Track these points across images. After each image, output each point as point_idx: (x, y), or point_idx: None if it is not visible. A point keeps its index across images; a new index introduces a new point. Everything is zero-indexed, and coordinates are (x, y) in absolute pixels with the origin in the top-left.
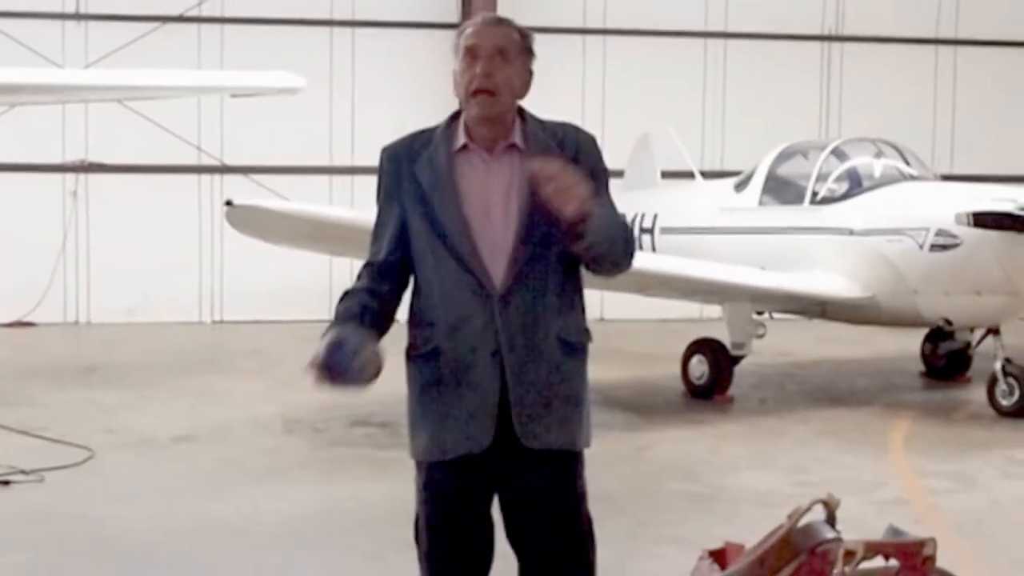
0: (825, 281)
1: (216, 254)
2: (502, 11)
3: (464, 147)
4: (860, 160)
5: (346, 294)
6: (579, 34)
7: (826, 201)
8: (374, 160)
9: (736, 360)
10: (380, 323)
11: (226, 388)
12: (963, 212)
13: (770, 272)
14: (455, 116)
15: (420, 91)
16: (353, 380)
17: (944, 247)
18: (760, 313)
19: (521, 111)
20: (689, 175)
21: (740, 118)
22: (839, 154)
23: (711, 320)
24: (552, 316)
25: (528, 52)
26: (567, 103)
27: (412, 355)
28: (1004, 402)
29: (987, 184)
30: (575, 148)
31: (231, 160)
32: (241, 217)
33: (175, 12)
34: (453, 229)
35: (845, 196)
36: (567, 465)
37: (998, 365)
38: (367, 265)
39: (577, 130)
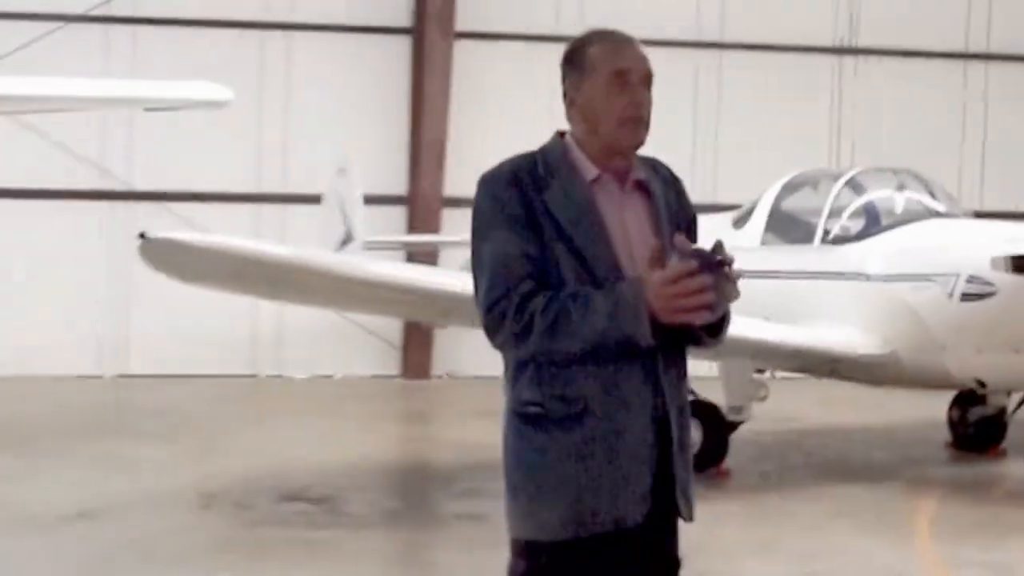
0: (837, 334)
1: (121, 296)
2: (466, 16)
3: (597, 178)
4: (879, 193)
5: (543, 304)
6: (552, 42)
7: (839, 241)
8: (310, 186)
9: (733, 427)
10: None
11: (130, 455)
12: (1000, 256)
13: (774, 323)
14: (560, 139)
15: (367, 106)
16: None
17: (977, 296)
18: (761, 371)
19: None
20: None
21: (737, 141)
22: (855, 186)
23: (703, 379)
24: (684, 367)
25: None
26: (536, 116)
27: (539, 416)
28: None
29: None
30: (675, 187)
31: (142, 185)
32: (157, 252)
33: (78, 9)
34: (604, 270)
35: (861, 235)
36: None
37: None
38: (504, 298)
39: (668, 167)
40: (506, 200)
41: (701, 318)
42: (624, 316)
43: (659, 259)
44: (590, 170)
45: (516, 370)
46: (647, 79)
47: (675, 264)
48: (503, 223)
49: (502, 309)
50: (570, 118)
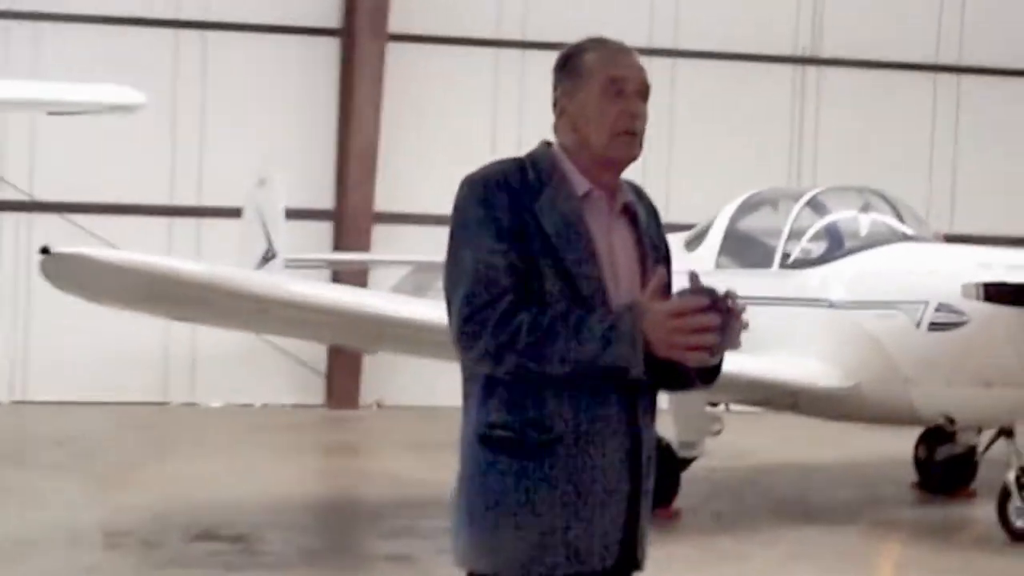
0: (797, 365)
1: (20, 316)
2: (400, 17)
3: (588, 193)
4: (842, 214)
5: (529, 322)
6: (493, 46)
7: (800, 265)
8: (228, 199)
9: (685, 464)
10: None
11: (30, 488)
12: (971, 283)
13: (728, 353)
14: (548, 148)
15: (291, 113)
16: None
17: (947, 326)
18: (715, 404)
19: None
20: None
21: (691, 157)
22: (816, 206)
23: None
24: (655, 417)
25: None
26: (475, 125)
27: (507, 442)
28: (1019, 522)
29: (998, 247)
30: (655, 215)
31: (43, 195)
32: (60, 269)
33: None
34: (590, 290)
35: (823, 259)
36: None
37: (1011, 476)
38: (486, 308)
39: (645, 190)
40: (495, 205)
41: (697, 359)
42: (620, 343)
43: (662, 290)
44: (581, 184)
45: (484, 391)
46: (644, 91)
47: (684, 297)
48: (489, 229)
49: (482, 320)
50: (559, 128)
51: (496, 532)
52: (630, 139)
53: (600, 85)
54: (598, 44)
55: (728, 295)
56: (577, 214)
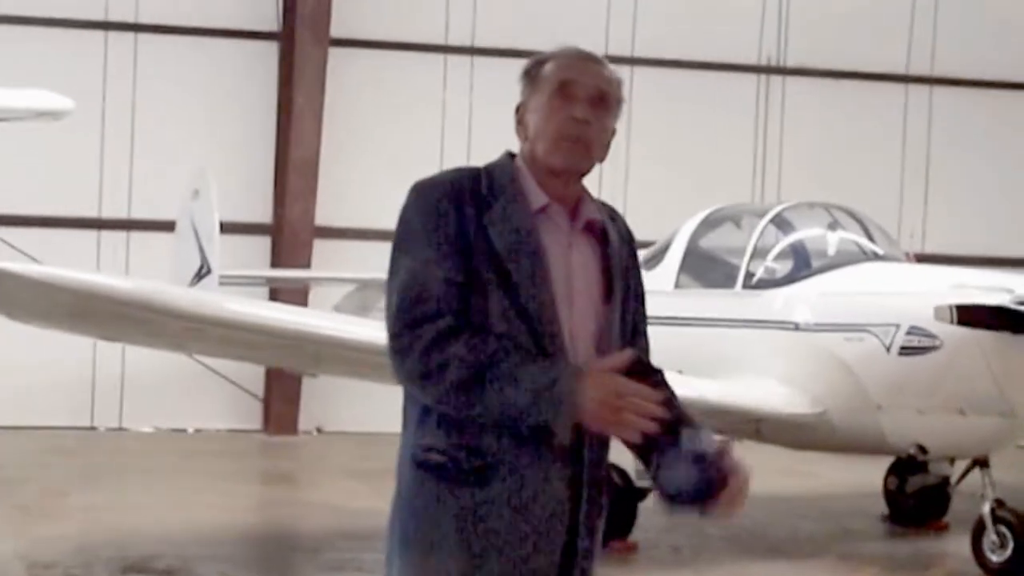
0: (761, 391)
1: None
2: (342, 21)
3: (543, 208)
4: (808, 232)
5: (465, 351)
6: (441, 52)
7: (764, 285)
8: (159, 211)
9: (642, 494)
10: None
11: None
12: (944, 305)
13: (688, 377)
14: (511, 160)
15: (227, 121)
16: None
17: (918, 350)
18: None
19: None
20: None
21: (648, 170)
22: (781, 223)
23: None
24: (608, 444)
25: (619, 105)
26: (423, 136)
27: (440, 466)
28: (993, 557)
29: (972, 268)
30: (628, 239)
31: None
32: None
33: None
34: (540, 311)
35: (789, 279)
36: None
37: (986, 508)
38: (418, 326)
39: (620, 215)
40: (440, 215)
41: (633, 436)
42: (550, 405)
43: (623, 367)
44: (538, 197)
45: (423, 413)
46: (599, 98)
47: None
48: (430, 240)
49: (412, 339)
50: (519, 138)
51: (428, 558)
52: (571, 145)
53: (550, 89)
54: (564, 52)
55: (725, 449)
56: (530, 229)
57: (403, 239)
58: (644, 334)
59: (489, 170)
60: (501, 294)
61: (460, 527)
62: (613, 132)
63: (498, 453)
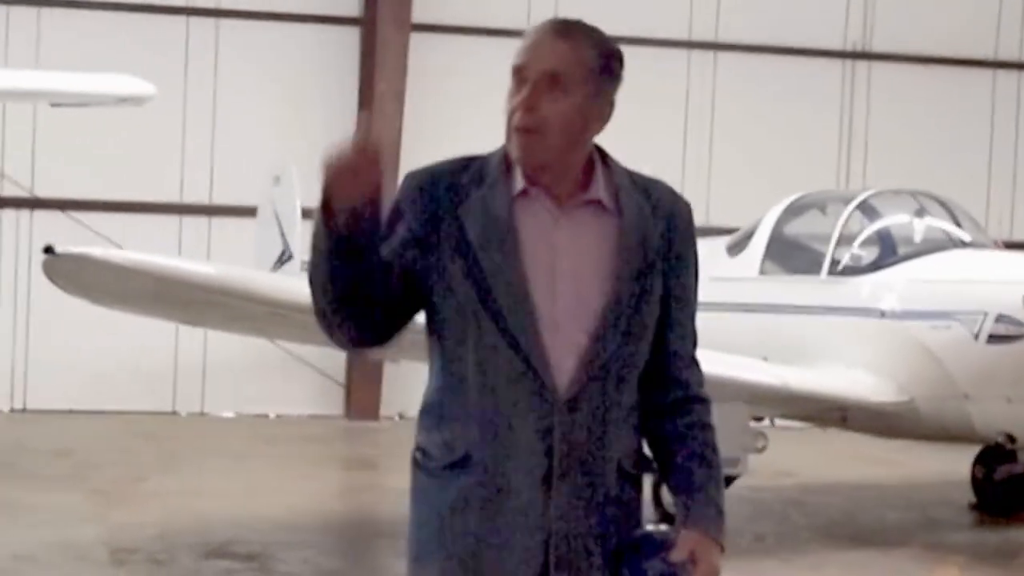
0: (846, 379)
1: (20, 319)
2: (424, 6)
3: (524, 192)
4: (895, 219)
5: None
6: (521, 37)
7: (849, 272)
8: (239, 196)
9: (726, 482)
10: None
11: (30, 501)
12: None
13: (774, 365)
14: (503, 148)
15: (309, 107)
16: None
17: (1007, 338)
18: (759, 419)
19: (604, 155)
20: None
21: (733, 157)
22: (867, 210)
23: None
24: (616, 436)
25: (605, 76)
26: (502, 120)
27: (425, 464)
28: None
29: None
30: (669, 217)
31: (44, 191)
32: (64, 269)
33: None
34: (510, 301)
35: (875, 266)
36: None
37: None
38: None
39: (673, 193)
40: (409, 206)
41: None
42: (319, 227)
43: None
44: (519, 183)
45: (419, 413)
46: (551, 77)
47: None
48: (398, 229)
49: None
50: None
51: (418, 558)
52: (522, 136)
53: (510, 79)
54: (530, 30)
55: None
56: (504, 215)
57: (386, 224)
58: (680, 322)
59: (484, 159)
60: (471, 286)
61: (441, 525)
62: (610, 105)
63: (470, 448)
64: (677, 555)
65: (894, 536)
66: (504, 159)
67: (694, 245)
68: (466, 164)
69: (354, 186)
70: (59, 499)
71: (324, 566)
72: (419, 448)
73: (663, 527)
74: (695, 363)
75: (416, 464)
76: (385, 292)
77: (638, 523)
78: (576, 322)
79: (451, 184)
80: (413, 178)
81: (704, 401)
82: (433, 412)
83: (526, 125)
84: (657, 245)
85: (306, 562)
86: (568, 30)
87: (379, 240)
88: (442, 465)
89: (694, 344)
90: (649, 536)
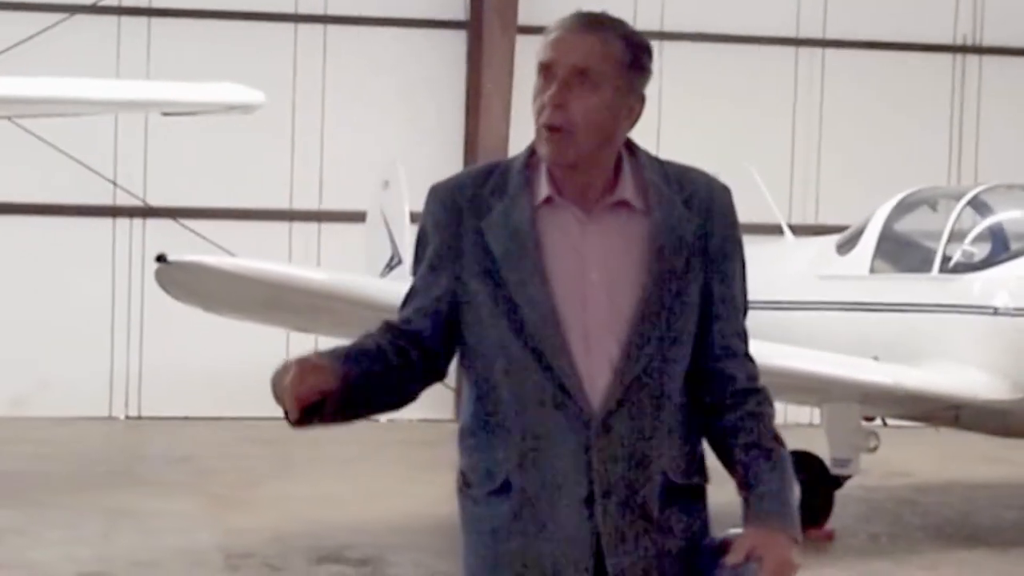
0: (959, 377)
1: (134, 326)
2: (529, 8)
3: (549, 199)
4: (1008, 214)
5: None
6: None
7: (962, 269)
8: (349, 202)
9: (838, 482)
10: (367, 367)
11: (147, 508)
12: None
13: (885, 364)
14: (531, 151)
15: (416, 111)
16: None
17: None
18: (871, 419)
19: (632, 149)
20: (775, 230)
21: (841, 154)
22: (979, 206)
23: (802, 427)
24: (660, 446)
25: (635, 70)
26: None
27: (468, 491)
28: None
29: None
30: (706, 209)
31: (157, 200)
32: (177, 277)
33: (88, 0)
34: (536, 318)
35: (988, 263)
36: None
37: None
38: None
39: (710, 182)
40: (433, 224)
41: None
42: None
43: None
44: (543, 190)
45: (458, 435)
46: (580, 73)
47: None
48: (426, 254)
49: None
50: None
51: None
52: (551, 135)
53: (537, 74)
54: (557, 24)
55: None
56: (527, 227)
57: (416, 245)
58: (725, 318)
59: (506, 166)
60: (496, 305)
61: (487, 552)
62: (640, 100)
63: (510, 475)
64: (732, 558)
65: (1010, 536)
66: (526, 165)
67: (736, 235)
68: (489, 172)
69: (311, 391)
70: (175, 505)
71: (436, 569)
72: (461, 473)
73: (736, 530)
74: (746, 357)
75: (460, 490)
76: (414, 370)
77: (703, 532)
78: (609, 334)
79: (473, 197)
80: (435, 193)
81: (757, 391)
82: (471, 436)
83: (555, 123)
84: (692, 242)
85: (418, 565)
86: (595, 23)
87: (367, 376)
88: (484, 492)
89: (743, 338)
90: (712, 542)
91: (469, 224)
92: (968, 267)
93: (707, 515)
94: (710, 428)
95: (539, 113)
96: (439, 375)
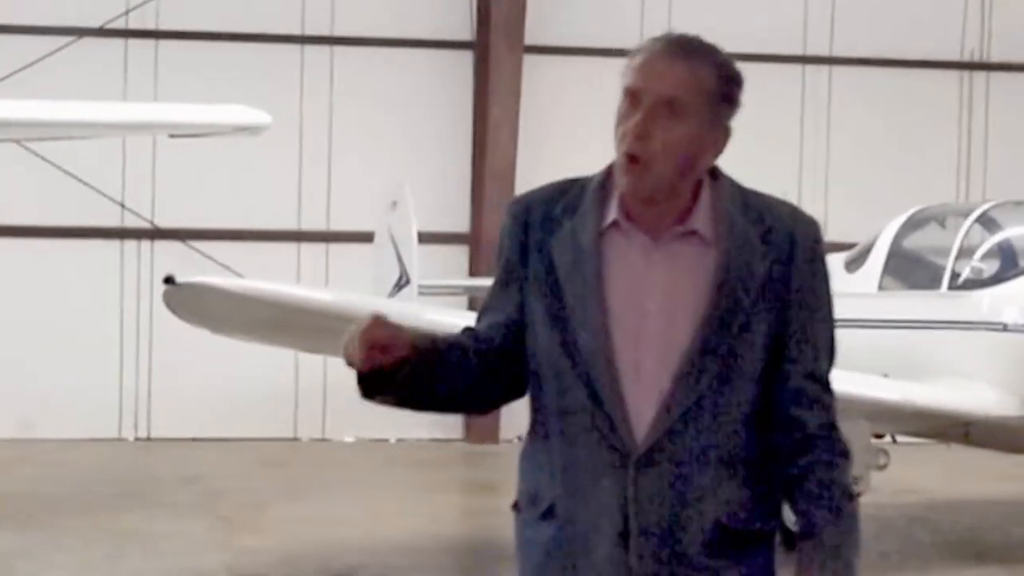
0: (969, 393)
1: (143, 348)
2: (537, 28)
3: (615, 223)
4: (1016, 230)
5: None
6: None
7: (971, 285)
8: (356, 222)
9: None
10: (443, 351)
11: (156, 530)
12: None
13: (895, 380)
14: (604, 171)
15: (423, 131)
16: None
17: None
18: (880, 436)
19: (716, 174)
20: None
21: (849, 171)
22: (988, 222)
23: None
24: (709, 489)
25: (723, 103)
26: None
27: (520, 514)
28: None
29: None
30: (786, 244)
31: (165, 222)
32: (185, 299)
33: (94, 22)
34: (588, 342)
35: (997, 279)
36: None
37: None
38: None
39: (795, 216)
40: (506, 236)
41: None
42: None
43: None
44: (612, 212)
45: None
46: (668, 104)
47: None
48: (500, 267)
49: None
50: None
51: None
52: (629, 166)
53: (621, 96)
54: (644, 48)
55: None
56: (592, 250)
57: (495, 257)
58: (800, 360)
59: (581, 184)
60: (552, 328)
61: (535, 572)
62: (725, 132)
63: (555, 500)
64: None
65: (1021, 554)
66: (602, 185)
67: (819, 273)
68: (565, 189)
69: (382, 353)
70: (184, 527)
71: None
72: (518, 493)
73: None
74: (821, 404)
75: (514, 512)
76: (494, 374)
77: None
78: (662, 366)
79: (545, 213)
80: (512, 207)
81: (827, 439)
82: (524, 459)
83: (637, 153)
84: (764, 278)
85: None
86: (687, 50)
87: (442, 362)
88: (533, 516)
89: (821, 383)
90: None
91: (536, 240)
92: (977, 284)
93: (771, 563)
94: (779, 474)
95: (621, 140)
96: (520, 390)
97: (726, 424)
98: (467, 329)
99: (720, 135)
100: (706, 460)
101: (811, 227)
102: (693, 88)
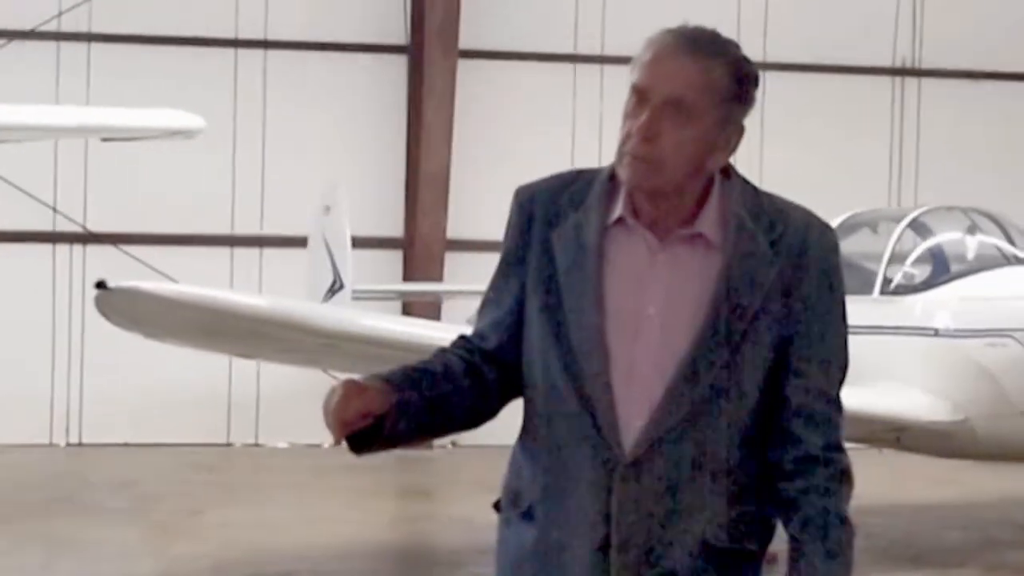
0: (900, 399)
1: (75, 353)
2: (471, 33)
3: (620, 220)
4: (947, 236)
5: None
6: (570, 62)
7: (902, 291)
8: (290, 227)
9: None
10: (430, 387)
11: (89, 536)
12: None
13: None
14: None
15: (357, 135)
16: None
17: None
18: None
19: (729, 175)
20: None
21: (782, 176)
22: (919, 228)
23: None
24: (697, 504)
25: (736, 101)
26: (554, 147)
27: (501, 512)
28: None
29: None
30: (796, 253)
31: (97, 226)
32: (117, 304)
33: (26, 25)
34: (581, 343)
35: (928, 285)
36: None
37: None
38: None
39: (808, 223)
40: (510, 224)
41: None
42: None
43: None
44: (618, 208)
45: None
46: (675, 104)
47: None
48: (502, 255)
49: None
50: None
51: None
52: (628, 161)
53: (628, 94)
54: (652, 42)
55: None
56: (594, 246)
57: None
58: (806, 375)
59: (589, 177)
60: (546, 324)
61: (510, 572)
62: (738, 131)
63: (534, 503)
64: None
65: (954, 557)
66: (611, 178)
67: (831, 283)
68: (572, 180)
69: (357, 414)
70: (117, 533)
71: None
72: (502, 491)
73: None
74: (822, 420)
75: (496, 509)
76: (489, 389)
77: None
78: (656, 373)
79: (550, 203)
80: (518, 195)
81: (829, 463)
82: (513, 457)
83: (641, 155)
84: (770, 286)
85: None
86: (699, 47)
87: (430, 398)
88: (514, 515)
89: (829, 400)
90: None
91: (539, 231)
92: (909, 289)
93: None
94: (775, 493)
95: (626, 139)
96: (520, 390)
97: (719, 439)
98: (461, 337)
99: (732, 134)
100: (695, 475)
101: (826, 235)
102: (704, 88)
